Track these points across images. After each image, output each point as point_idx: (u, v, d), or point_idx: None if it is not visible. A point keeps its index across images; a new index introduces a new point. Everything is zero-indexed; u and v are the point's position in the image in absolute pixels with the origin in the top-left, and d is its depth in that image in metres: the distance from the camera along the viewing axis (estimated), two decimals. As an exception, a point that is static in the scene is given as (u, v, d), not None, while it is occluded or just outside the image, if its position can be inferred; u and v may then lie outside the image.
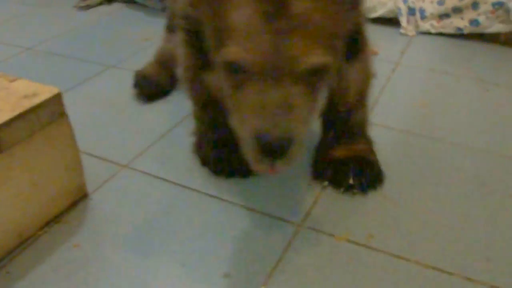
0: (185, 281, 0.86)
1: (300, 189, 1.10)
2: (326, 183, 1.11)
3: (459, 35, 1.94)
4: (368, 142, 1.16)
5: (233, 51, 0.74)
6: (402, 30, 1.98)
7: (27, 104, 0.83)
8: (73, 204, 1.02)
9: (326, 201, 1.06)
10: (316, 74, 0.77)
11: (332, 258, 0.91)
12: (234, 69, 0.76)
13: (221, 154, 1.10)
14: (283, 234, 0.97)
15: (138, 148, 1.21)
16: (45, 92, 0.87)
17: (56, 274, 0.87)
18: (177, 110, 1.37)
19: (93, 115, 1.35)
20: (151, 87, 1.42)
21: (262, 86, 0.74)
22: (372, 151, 1.15)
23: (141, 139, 1.24)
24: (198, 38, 0.93)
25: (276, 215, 1.01)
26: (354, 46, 0.99)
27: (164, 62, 1.44)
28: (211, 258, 0.90)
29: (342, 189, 1.08)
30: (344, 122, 1.11)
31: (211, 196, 1.06)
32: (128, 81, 1.51)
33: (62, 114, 0.91)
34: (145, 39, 1.84)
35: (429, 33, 1.97)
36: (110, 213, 1.01)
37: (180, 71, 1.09)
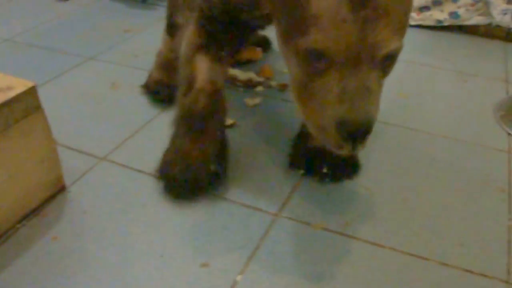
0: (163, 271, 0.88)
1: (277, 179, 1.12)
2: (302, 172, 1.13)
3: (439, 27, 1.98)
4: None
5: (319, 39, 0.75)
6: (382, 22, 2.01)
7: (1, 98, 0.84)
8: (51, 197, 1.03)
9: (303, 191, 1.09)
10: (390, 58, 0.80)
11: (308, 246, 0.94)
12: (316, 57, 0.77)
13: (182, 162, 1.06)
14: (260, 223, 0.99)
15: (116, 140, 1.22)
16: (20, 85, 0.88)
17: (36, 267, 0.88)
18: (155, 103, 1.38)
19: (71, 107, 1.36)
20: (169, 90, 1.34)
21: (344, 72, 0.76)
22: None
23: (119, 132, 1.25)
24: (213, 23, 1.00)
25: (253, 205, 1.03)
26: None
27: (168, 66, 1.37)
28: (189, 248, 0.92)
29: (316, 178, 1.11)
30: None
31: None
32: (107, 73, 1.52)
33: (37, 108, 0.92)
34: (125, 30, 1.85)
35: (409, 25, 2.00)
36: (88, 205, 1.02)
37: (181, 49, 1.09)
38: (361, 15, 0.73)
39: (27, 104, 0.89)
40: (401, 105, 1.44)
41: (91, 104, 1.37)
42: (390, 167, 1.17)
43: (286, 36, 0.82)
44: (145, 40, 1.77)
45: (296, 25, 0.79)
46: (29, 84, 0.88)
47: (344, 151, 0.81)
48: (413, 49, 1.80)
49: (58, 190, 1.04)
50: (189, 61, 1.06)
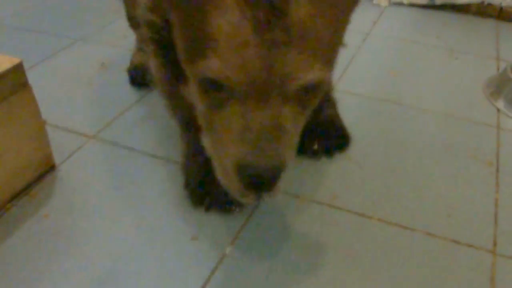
0: (154, 245, 0.90)
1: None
2: None
3: (431, 6, 1.99)
4: (333, 105, 1.18)
5: (215, 66, 0.63)
6: (374, 1, 2.02)
7: (-12, 74, 0.86)
8: (41, 176, 1.04)
9: (292, 164, 1.10)
10: (310, 91, 0.67)
11: (297, 218, 0.96)
12: (213, 87, 0.65)
13: (202, 184, 0.98)
14: (250, 198, 1.01)
15: (105, 119, 1.23)
16: (6, 62, 0.89)
17: (26, 245, 0.90)
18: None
19: (60, 88, 1.37)
20: (142, 73, 1.36)
21: (248, 107, 0.64)
22: (337, 115, 1.18)
23: (109, 110, 1.27)
24: (169, 47, 0.80)
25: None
26: None
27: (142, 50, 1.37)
28: (179, 222, 0.95)
29: (308, 155, 1.12)
30: None
31: (178, 163, 1.09)
32: (96, 54, 1.53)
33: (24, 85, 0.93)
34: (114, 11, 1.85)
35: (401, 4, 2.01)
36: (78, 183, 1.04)
37: (155, 85, 1.01)
38: (267, 38, 0.60)
39: (14, 81, 0.90)
40: (392, 81, 1.46)
41: (80, 85, 1.39)
42: (380, 141, 1.20)
43: (186, 56, 0.71)
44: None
45: (190, 46, 0.68)
46: (15, 61, 0.89)
47: (248, 200, 0.69)
48: (405, 27, 1.81)
49: (48, 169, 1.06)
50: (171, 97, 0.98)
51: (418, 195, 1.04)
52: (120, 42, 1.62)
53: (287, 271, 0.86)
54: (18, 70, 0.90)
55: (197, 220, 0.95)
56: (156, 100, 1.25)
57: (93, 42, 1.63)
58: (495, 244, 0.94)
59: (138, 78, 1.37)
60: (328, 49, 0.67)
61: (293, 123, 0.69)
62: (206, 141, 0.76)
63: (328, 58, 0.68)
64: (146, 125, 1.20)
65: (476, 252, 0.92)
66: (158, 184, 1.04)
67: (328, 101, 1.18)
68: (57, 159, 1.08)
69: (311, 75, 0.64)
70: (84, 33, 1.69)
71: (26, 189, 1.01)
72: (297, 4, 0.61)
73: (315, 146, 1.12)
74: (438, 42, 1.72)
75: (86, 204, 0.99)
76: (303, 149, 1.12)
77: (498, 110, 1.37)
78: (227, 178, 0.70)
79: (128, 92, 1.35)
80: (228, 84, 0.64)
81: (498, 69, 1.57)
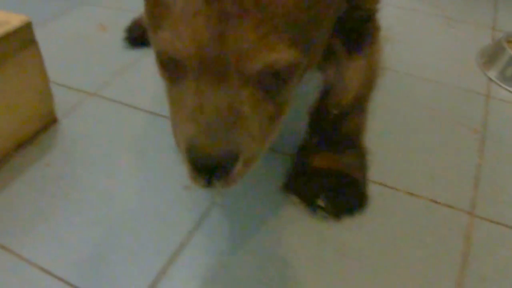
0: (148, 192, 0.98)
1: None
2: (295, 198, 0.97)
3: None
4: (360, 155, 1.01)
5: (167, 38, 0.59)
6: (376, -32, 2.05)
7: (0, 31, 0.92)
8: (44, 128, 1.11)
9: (257, 157, 1.16)
10: (277, 75, 0.61)
11: (281, 171, 1.04)
12: (168, 61, 0.62)
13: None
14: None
15: (106, 77, 1.30)
16: (16, 20, 0.95)
17: (30, 190, 0.98)
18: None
19: (61, 48, 1.43)
20: (140, 32, 1.42)
21: (201, 84, 0.60)
22: (361, 168, 1.00)
23: (109, 69, 1.33)
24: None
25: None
26: (360, 37, 0.86)
27: None
28: (173, 172, 1.02)
29: (310, 209, 0.95)
30: (335, 128, 0.96)
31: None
32: (98, 17, 1.58)
33: (32, 42, 0.99)
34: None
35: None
36: (79, 136, 1.11)
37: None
38: (217, 8, 0.56)
39: (23, 38, 0.96)
40: (387, 48, 1.51)
41: (81, 45, 1.45)
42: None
43: (148, 26, 0.67)
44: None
45: (152, 15, 0.64)
46: (25, 19, 0.95)
47: (198, 184, 0.63)
48: (403, -5, 1.85)
49: (51, 122, 1.13)
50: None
51: (403, 157, 1.11)
52: (119, 4, 1.67)
53: (273, 221, 0.94)
54: (27, 27, 0.96)
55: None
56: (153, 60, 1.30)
57: (95, 5, 1.69)
58: (473, 206, 1.01)
59: (135, 35, 1.43)
60: (297, 26, 0.60)
61: (256, 110, 0.62)
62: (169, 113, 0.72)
63: (298, 37, 0.61)
64: (145, 83, 1.26)
65: (454, 212, 0.99)
66: (155, 138, 1.11)
67: (354, 148, 1.00)
68: (59, 114, 1.15)
69: (271, 56, 0.58)
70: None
71: (30, 140, 1.09)
72: None
73: (320, 202, 0.93)
74: (436, 11, 1.76)
75: (85, 155, 1.06)
76: (305, 199, 0.95)
77: (490, 79, 1.42)
78: (182, 155, 0.65)
79: (126, 51, 1.42)
80: (180, 59, 0.60)
81: (493, 38, 1.61)
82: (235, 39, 0.57)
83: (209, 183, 0.62)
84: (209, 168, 0.60)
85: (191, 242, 0.88)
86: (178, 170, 1.02)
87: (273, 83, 0.62)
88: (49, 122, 1.12)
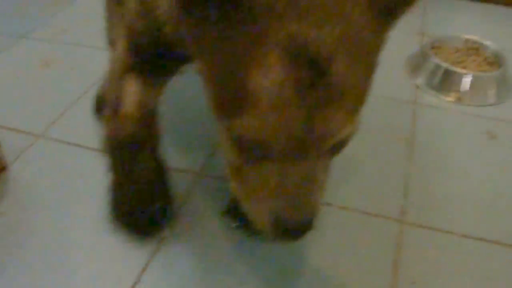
0: (101, 233, 1.05)
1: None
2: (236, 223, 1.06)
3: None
4: None
5: (254, 126, 0.64)
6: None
7: None
8: (-6, 176, 1.17)
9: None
10: (342, 143, 0.71)
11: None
12: (250, 144, 0.67)
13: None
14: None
15: (51, 117, 1.36)
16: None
17: (-14, 241, 1.04)
18: (86, 76, 1.51)
19: (4, 87, 1.47)
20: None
21: (285, 164, 0.67)
22: None
23: (54, 108, 1.39)
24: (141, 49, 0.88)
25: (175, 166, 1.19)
26: None
27: None
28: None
29: (249, 233, 1.04)
30: None
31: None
32: (40, 52, 1.63)
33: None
34: (57, 3, 1.92)
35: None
36: (30, 181, 1.17)
37: (109, 66, 1.01)
38: (310, 98, 0.62)
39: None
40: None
41: (24, 84, 1.49)
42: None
43: (218, 109, 0.70)
44: (74, 13, 1.87)
45: (230, 99, 0.67)
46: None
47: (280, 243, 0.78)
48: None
49: (0, 169, 1.19)
50: (116, 82, 0.97)
51: (334, 172, 1.21)
52: (61, 37, 1.72)
53: (220, 246, 1.03)
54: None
55: None
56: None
57: (35, 39, 1.73)
58: (403, 213, 1.12)
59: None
60: (363, 100, 0.69)
61: (326, 173, 0.74)
62: (235, 188, 0.78)
63: (360, 111, 0.69)
64: (90, 120, 1.33)
65: (385, 222, 1.10)
66: (105, 177, 1.18)
67: None
68: (7, 159, 1.21)
69: (348, 130, 0.67)
70: (26, 29, 1.77)
71: (-20, 189, 1.14)
72: (337, 62, 0.62)
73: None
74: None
75: (38, 200, 1.13)
76: (242, 222, 1.03)
77: (417, 87, 1.55)
78: (261, 224, 0.74)
79: (71, 87, 1.47)
80: (267, 144, 0.65)
81: (421, 45, 1.74)
82: (323, 123, 0.64)
83: (291, 242, 0.75)
84: (297, 234, 0.72)
85: (144, 277, 0.97)
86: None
87: (337, 149, 0.72)
88: (-2, 170, 1.18)
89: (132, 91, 0.95)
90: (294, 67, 0.61)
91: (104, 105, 1.24)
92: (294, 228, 0.70)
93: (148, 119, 0.97)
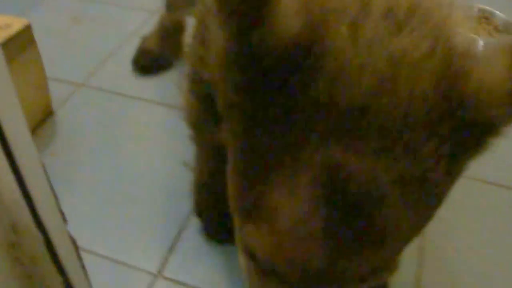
0: (150, 171, 1.17)
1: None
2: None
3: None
4: None
5: (264, 244, 0.55)
6: None
7: (5, 35, 1.06)
8: (43, 121, 1.27)
9: None
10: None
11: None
12: (258, 262, 0.58)
13: (210, 217, 1.05)
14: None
15: (91, 67, 1.46)
16: (18, 23, 1.10)
17: (41, 178, 1.14)
18: (119, 33, 1.60)
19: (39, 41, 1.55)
20: (152, 62, 1.45)
21: None
22: None
23: (93, 59, 1.49)
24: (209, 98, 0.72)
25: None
26: None
27: (166, 34, 1.46)
28: (172, 151, 1.22)
29: None
30: None
31: (163, 104, 1.34)
32: (69, 10, 1.71)
33: (32, 42, 1.15)
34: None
35: None
36: (75, 125, 1.28)
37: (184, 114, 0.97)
38: (337, 241, 0.51)
39: (24, 39, 1.11)
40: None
41: (57, 39, 1.58)
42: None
43: (231, 198, 0.61)
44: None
45: (246, 198, 0.57)
46: (25, 22, 1.10)
47: None
48: None
49: (48, 114, 1.29)
50: (199, 129, 0.95)
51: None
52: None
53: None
54: (28, 29, 1.11)
55: (189, 148, 1.18)
56: (136, 45, 1.46)
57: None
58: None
59: (147, 64, 1.45)
60: (401, 250, 0.58)
61: None
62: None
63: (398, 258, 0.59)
64: (130, 69, 1.44)
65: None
66: (146, 122, 1.30)
67: None
68: (54, 106, 1.31)
69: (370, 281, 0.57)
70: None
71: (32, 131, 1.23)
72: (388, 206, 0.50)
73: None
74: None
75: (85, 141, 1.24)
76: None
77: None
78: None
79: (106, 40, 1.57)
80: (277, 270, 0.56)
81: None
82: (344, 271, 0.54)
83: None
84: None
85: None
86: (176, 146, 1.22)
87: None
88: (46, 115, 1.28)
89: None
90: (328, 202, 0.50)
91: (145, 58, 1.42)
92: None
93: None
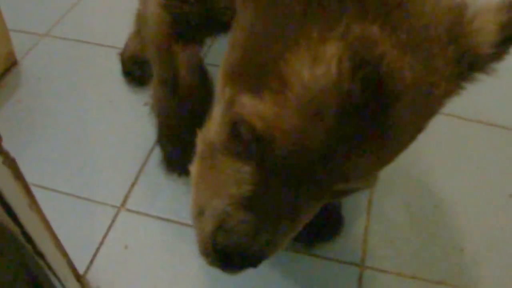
0: (113, 113, 1.20)
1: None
2: None
3: None
4: None
5: (265, 115, 0.51)
6: None
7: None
8: (7, 70, 1.29)
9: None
10: (349, 193, 0.62)
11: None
12: (246, 133, 0.54)
13: (173, 152, 1.06)
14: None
15: (54, 18, 1.47)
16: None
17: (7, 124, 1.17)
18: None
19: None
20: (144, 69, 1.24)
21: (276, 180, 0.55)
22: None
23: (56, 8, 1.49)
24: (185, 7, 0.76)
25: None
26: None
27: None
28: (132, 93, 1.25)
29: None
30: None
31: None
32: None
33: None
34: None
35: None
36: (40, 73, 1.31)
37: (148, 33, 0.96)
38: (351, 125, 0.49)
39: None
40: None
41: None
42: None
43: (232, 75, 0.58)
44: None
45: (253, 69, 0.54)
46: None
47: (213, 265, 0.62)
48: None
49: (11, 64, 1.31)
50: (164, 57, 0.93)
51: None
52: None
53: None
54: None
55: (147, 90, 1.22)
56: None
57: None
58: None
59: (135, 70, 1.27)
60: (393, 159, 0.59)
61: (309, 215, 0.61)
62: (194, 175, 0.65)
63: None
64: (93, 18, 1.45)
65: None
66: (110, 67, 1.31)
67: None
68: (17, 56, 1.32)
69: (365, 183, 0.58)
70: None
71: (-3, 81, 1.26)
72: (404, 103, 0.51)
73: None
74: None
75: (51, 89, 1.27)
76: None
77: None
78: (201, 233, 0.62)
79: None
80: (267, 143, 0.52)
81: None
82: (345, 165, 0.53)
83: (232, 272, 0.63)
84: (232, 261, 0.60)
85: (157, 149, 1.11)
86: (137, 90, 1.25)
87: (340, 196, 0.63)
88: (10, 64, 1.30)
89: (183, 61, 0.90)
90: (354, 78, 0.48)
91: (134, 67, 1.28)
92: (238, 256, 0.58)
93: (202, 80, 0.94)
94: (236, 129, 0.55)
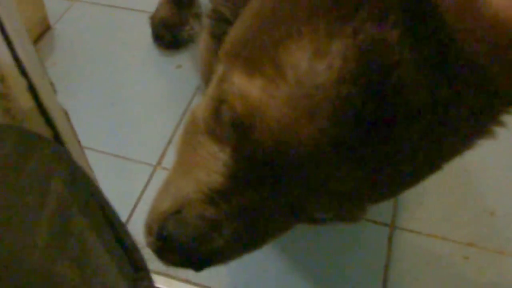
0: (146, 75, 1.24)
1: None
2: None
3: None
4: None
5: (255, 99, 0.45)
6: None
7: None
8: (41, 34, 1.33)
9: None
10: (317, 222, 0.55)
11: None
12: (233, 114, 0.48)
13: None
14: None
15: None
16: None
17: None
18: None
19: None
20: (174, 34, 1.29)
21: (251, 188, 0.49)
22: None
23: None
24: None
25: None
26: None
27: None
28: (165, 55, 1.28)
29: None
30: None
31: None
32: None
33: (20, -48, 1.17)
34: None
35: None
36: (74, 37, 1.34)
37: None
38: (348, 132, 0.43)
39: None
40: None
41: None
42: None
43: (228, 51, 0.53)
44: None
45: (252, 49, 0.48)
46: None
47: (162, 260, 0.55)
48: None
49: (46, 28, 1.34)
50: None
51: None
52: None
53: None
54: None
55: (181, 52, 1.27)
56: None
57: None
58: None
59: (166, 34, 1.29)
60: (399, 190, 0.53)
61: (277, 233, 0.56)
62: (177, 144, 0.60)
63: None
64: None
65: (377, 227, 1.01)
66: (140, 31, 1.34)
67: None
68: (50, 21, 1.36)
69: (349, 214, 0.52)
70: None
71: (34, 44, 1.28)
72: (414, 129, 0.44)
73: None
74: None
75: (85, 52, 1.30)
76: None
77: None
78: (153, 214, 0.57)
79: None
80: (248, 136, 0.47)
81: None
82: (333, 178, 0.46)
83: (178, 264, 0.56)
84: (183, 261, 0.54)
85: (191, 108, 1.13)
86: (170, 52, 1.28)
87: (315, 222, 0.55)
88: (44, 29, 1.33)
89: None
90: (356, 82, 0.42)
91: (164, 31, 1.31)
92: (181, 254, 0.53)
93: None
94: (219, 108, 0.50)
